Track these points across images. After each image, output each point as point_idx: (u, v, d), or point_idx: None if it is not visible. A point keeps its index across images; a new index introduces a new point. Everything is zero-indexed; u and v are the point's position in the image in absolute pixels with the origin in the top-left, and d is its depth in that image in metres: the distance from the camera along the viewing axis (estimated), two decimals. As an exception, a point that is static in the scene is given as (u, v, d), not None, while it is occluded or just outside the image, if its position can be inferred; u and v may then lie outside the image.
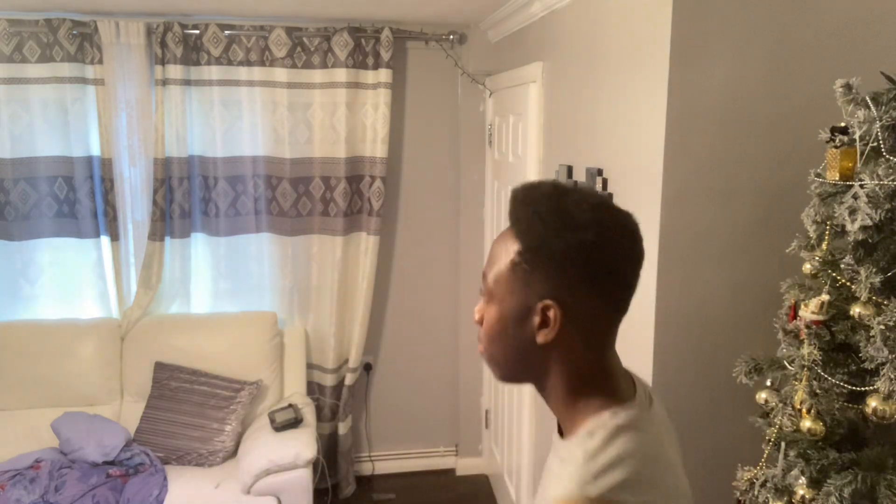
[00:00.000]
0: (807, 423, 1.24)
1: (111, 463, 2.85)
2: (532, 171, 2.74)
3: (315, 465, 3.01)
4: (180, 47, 3.11)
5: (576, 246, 0.84)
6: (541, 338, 0.87)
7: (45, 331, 3.20)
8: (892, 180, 1.11)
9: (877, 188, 1.12)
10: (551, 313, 0.86)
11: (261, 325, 3.30)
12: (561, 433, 0.94)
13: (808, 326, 1.25)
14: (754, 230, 1.70)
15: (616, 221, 0.87)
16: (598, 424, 0.87)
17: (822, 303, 1.23)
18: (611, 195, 1.96)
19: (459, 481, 3.81)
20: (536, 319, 0.87)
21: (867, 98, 1.17)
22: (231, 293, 3.47)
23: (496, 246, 0.93)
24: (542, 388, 0.94)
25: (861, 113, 1.17)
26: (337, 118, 3.31)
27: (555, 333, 0.87)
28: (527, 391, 2.88)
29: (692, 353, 1.74)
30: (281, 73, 3.25)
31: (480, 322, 0.95)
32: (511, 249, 0.89)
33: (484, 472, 3.86)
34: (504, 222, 3.25)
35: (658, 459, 0.88)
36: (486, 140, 3.58)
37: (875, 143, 1.16)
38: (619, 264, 0.87)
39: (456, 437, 3.86)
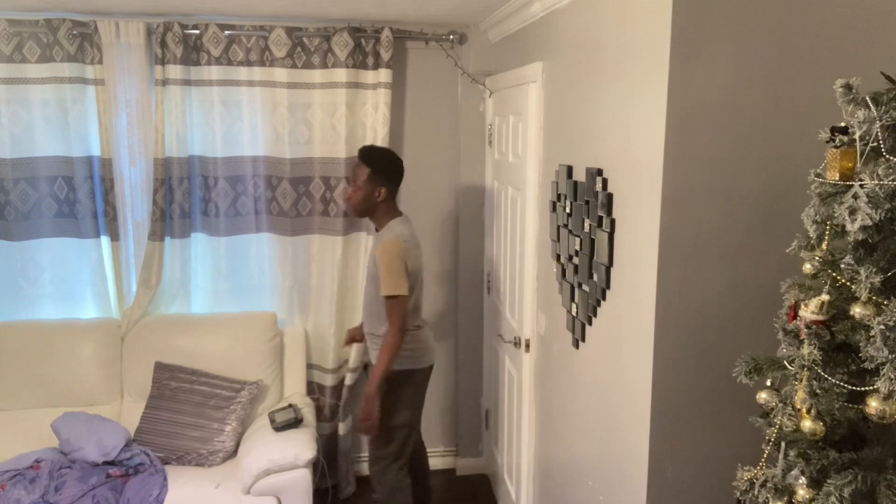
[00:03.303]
0: (807, 423, 1.24)
1: (111, 463, 2.85)
2: (532, 171, 2.74)
3: (315, 465, 3.01)
4: (180, 47, 3.11)
5: (393, 168, 2.79)
6: (380, 199, 2.78)
7: (45, 331, 3.20)
8: (892, 180, 1.11)
9: (877, 188, 1.12)
10: (384, 190, 2.77)
11: (261, 325, 3.30)
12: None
13: (808, 326, 1.25)
14: (754, 230, 1.70)
15: (397, 158, 2.83)
16: (393, 223, 2.79)
17: (822, 303, 1.23)
18: (610, 195, 1.96)
19: (459, 481, 3.81)
20: (377, 193, 2.77)
21: (867, 98, 1.17)
22: (231, 293, 3.47)
23: (355, 170, 2.79)
24: (373, 216, 2.83)
25: (861, 113, 1.17)
26: (337, 118, 3.31)
27: (383, 197, 2.78)
28: (526, 391, 2.88)
29: (692, 353, 1.74)
30: (281, 73, 3.25)
31: (349, 200, 2.81)
32: (366, 170, 2.75)
33: (484, 472, 3.86)
34: (504, 221, 3.25)
35: (412, 234, 2.80)
36: (486, 140, 3.58)
37: (875, 143, 1.16)
38: (399, 173, 2.81)
39: (456, 437, 3.86)
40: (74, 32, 3.05)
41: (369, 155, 2.75)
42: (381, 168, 2.72)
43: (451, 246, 3.69)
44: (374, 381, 2.70)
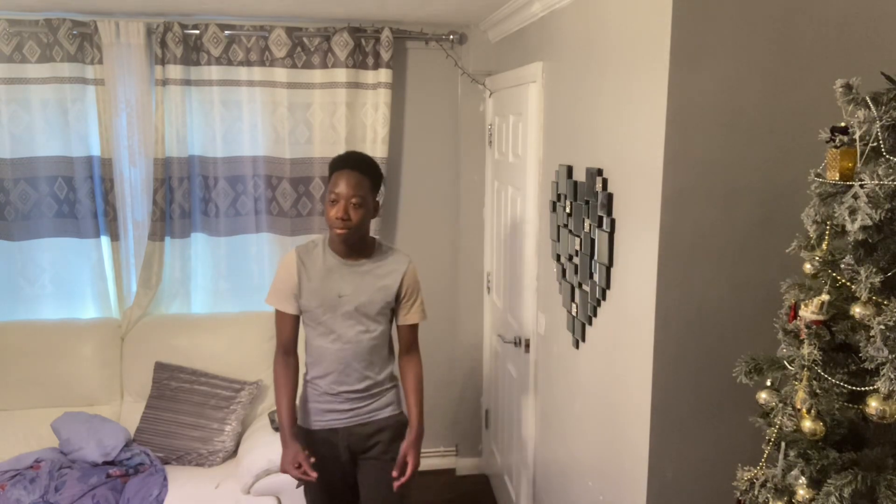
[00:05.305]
0: (807, 423, 1.24)
1: (111, 463, 2.85)
2: (532, 171, 2.74)
3: (315, 465, 3.01)
4: (180, 47, 3.11)
5: (381, 176, 2.27)
6: (377, 215, 2.27)
7: (45, 331, 3.20)
8: (892, 180, 1.11)
9: (877, 188, 1.12)
10: (378, 204, 2.24)
11: (261, 325, 3.30)
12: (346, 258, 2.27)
13: (808, 326, 1.25)
14: (754, 230, 1.70)
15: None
16: (381, 242, 2.33)
17: (822, 303, 1.23)
18: (610, 195, 1.96)
19: (459, 481, 3.81)
20: (376, 210, 2.23)
21: (867, 98, 1.17)
22: (231, 293, 3.46)
23: (354, 179, 2.13)
24: (365, 232, 2.22)
25: (861, 113, 1.17)
26: (337, 118, 3.31)
27: (378, 213, 2.24)
28: (526, 391, 2.88)
29: (692, 353, 1.74)
30: (281, 73, 3.25)
31: (351, 219, 2.12)
32: (367, 182, 2.16)
33: (484, 472, 3.86)
34: (504, 220, 3.25)
35: None
36: (486, 140, 3.58)
37: (875, 143, 1.16)
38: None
39: (456, 437, 3.86)
40: (74, 32, 3.05)
41: (367, 163, 2.22)
42: (379, 179, 2.27)
43: (451, 246, 3.69)
44: (420, 423, 2.36)
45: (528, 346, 2.87)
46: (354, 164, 2.17)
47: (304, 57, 3.26)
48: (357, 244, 2.22)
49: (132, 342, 3.24)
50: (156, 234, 3.24)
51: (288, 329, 2.30)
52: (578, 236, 2.23)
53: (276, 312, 2.30)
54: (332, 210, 2.13)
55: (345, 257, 2.24)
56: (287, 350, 2.31)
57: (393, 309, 2.33)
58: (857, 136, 1.18)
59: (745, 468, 1.42)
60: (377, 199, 2.25)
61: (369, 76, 3.29)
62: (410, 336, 2.41)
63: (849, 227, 1.15)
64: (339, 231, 2.14)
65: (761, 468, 1.37)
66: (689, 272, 1.71)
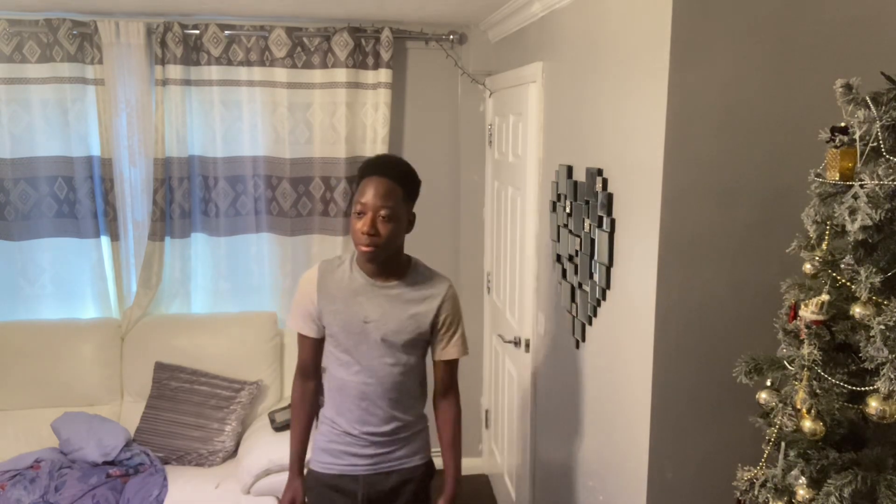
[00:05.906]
0: (807, 423, 1.24)
1: (111, 463, 2.85)
2: (532, 171, 2.74)
3: (315, 465, 3.01)
4: (180, 47, 3.11)
5: (419, 186, 1.98)
6: (410, 230, 1.95)
7: (45, 331, 3.20)
8: (892, 180, 1.11)
9: (877, 188, 1.12)
10: (414, 216, 1.95)
11: (261, 325, 3.30)
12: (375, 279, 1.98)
13: (808, 326, 1.25)
14: (754, 230, 1.70)
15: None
16: (419, 262, 2.07)
17: (822, 303, 1.23)
18: (610, 195, 1.96)
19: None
20: (410, 223, 1.94)
21: (867, 98, 1.17)
22: (231, 293, 3.47)
23: (384, 188, 1.83)
24: (397, 255, 1.97)
25: (861, 113, 1.17)
26: (337, 118, 3.31)
27: (411, 226, 1.95)
28: (526, 391, 2.88)
29: (692, 353, 1.74)
30: (281, 73, 3.25)
31: (379, 234, 1.83)
32: (399, 192, 1.86)
33: (484, 472, 3.86)
34: (504, 220, 3.25)
35: None
36: (486, 140, 3.58)
37: (875, 143, 1.16)
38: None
39: (456, 437, 3.86)
40: (74, 32, 3.05)
41: (401, 169, 1.92)
42: (416, 187, 1.97)
43: (451, 246, 3.69)
44: (458, 480, 2.08)
45: (528, 346, 2.87)
46: (385, 169, 1.87)
47: (304, 57, 3.26)
48: (387, 263, 1.93)
49: (132, 342, 3.24)
50: (156, 234, 3.24)
51: (307, 351, 2.07)
52: (578, 236, 2.23)
53: (298, 333, 2.07)
54: (358, 223, 1.83)
55: (373, 277, 1.95)
56: (305, 373, 2.10)
57: (428, 340, 2.04)
58: (857, 136, 1.18)
59: (745, 468, 1.42)
60: (412, 214, 1.93)
61: (369, 76, 3.29)
62: (448, 374, 2.09)
63: (849, 227, 1.15)
64: (364, 248, 1.83)
65: (761, 468, 1.37)
66: (688, 272, 1.71)
